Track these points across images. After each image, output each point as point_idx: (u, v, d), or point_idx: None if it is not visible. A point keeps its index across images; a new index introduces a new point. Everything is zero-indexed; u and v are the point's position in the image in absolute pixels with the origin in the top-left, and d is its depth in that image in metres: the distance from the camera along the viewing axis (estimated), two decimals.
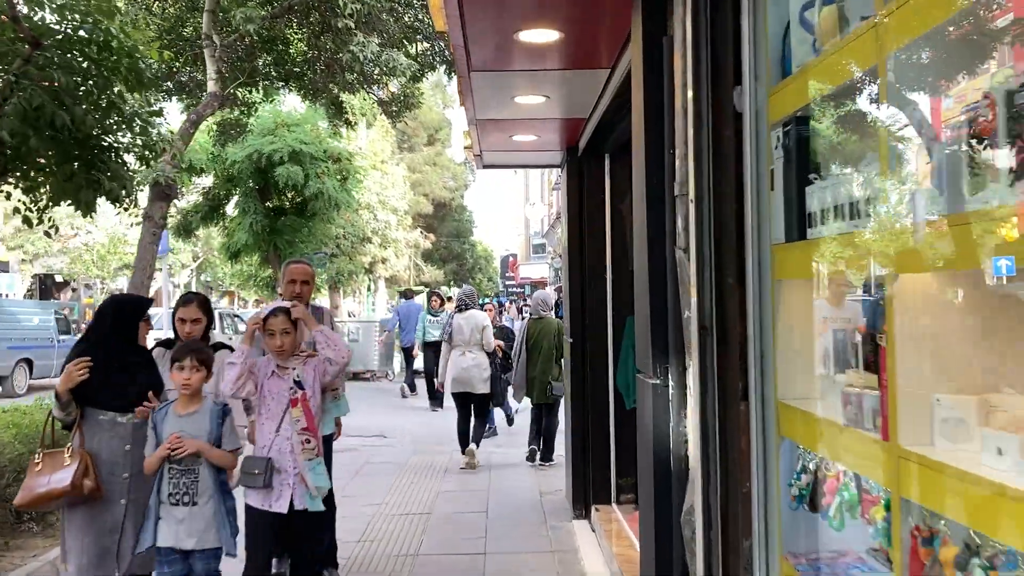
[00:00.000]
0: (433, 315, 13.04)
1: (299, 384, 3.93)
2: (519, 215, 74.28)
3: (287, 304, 4.08)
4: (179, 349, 3.71)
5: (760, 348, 2.32)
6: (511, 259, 74.33)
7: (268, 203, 16.60)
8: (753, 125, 2.35)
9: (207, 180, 15.69)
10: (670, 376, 2.95)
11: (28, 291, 30.11)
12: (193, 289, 21.41)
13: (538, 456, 8.68)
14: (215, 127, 13.04)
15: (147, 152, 5.96)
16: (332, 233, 17.64)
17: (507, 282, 64.85)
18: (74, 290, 32.21)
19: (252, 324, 4.04)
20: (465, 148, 6.72)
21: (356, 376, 18.10)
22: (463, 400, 8.68)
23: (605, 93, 4.95)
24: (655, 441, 2.99)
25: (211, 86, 8.79)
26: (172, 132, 7.82)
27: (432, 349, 11.89)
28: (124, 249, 30.56)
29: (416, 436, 10.81)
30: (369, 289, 25.42)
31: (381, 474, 8.53)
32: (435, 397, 12.35)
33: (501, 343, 9.39)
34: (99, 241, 32.16)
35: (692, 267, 2.61)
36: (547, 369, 8.30)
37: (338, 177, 15.49)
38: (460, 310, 8.81)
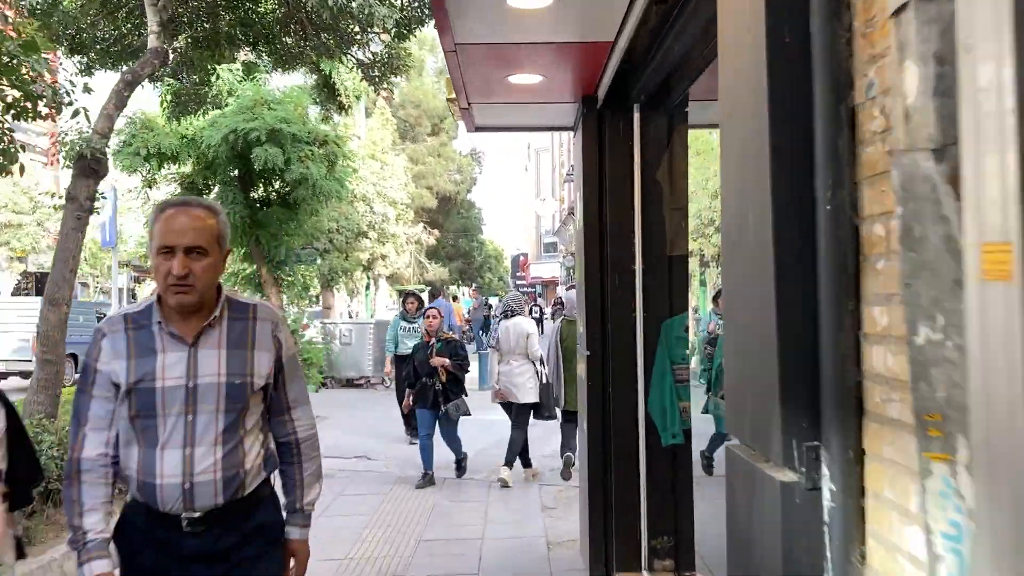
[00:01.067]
0: (407, 321, 10.93)
1: None
2: (529, 214, 73.07)
3: None
4: None
5: None
6: (522, 258, 73.16)
7: (252, 193, 15.11)
8: None
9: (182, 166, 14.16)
10: (825, 467, 1.35)
11: (19, 288, 28.75)
12: None
13: (569, 468, 7.79)
14: (169, 98, 11.45)
15: (25, 102, 4.43)
16: (323, 227, 16.13)
17: (518, 282, 63.70)
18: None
19: None
20: (449, 100, 5.11)
21: (349, 383, 16.59)
22: (508, 409, 8.21)
23: None
24: None
25: (152, 41, 7.24)
26: (88, 88, 6.27)
27: (406, 363, 8.87)
28: (119, 247, 29.12)
29: (405, 459, 9.23)
30: (368, 288, 23.86)
31: (353, 512, 6.97)
32: (409, 424, 10.02)
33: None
34: (92, 238, 30.82)
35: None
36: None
37: (325, 162, 13.96)
38: (507, 316, 8.36)
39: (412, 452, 9.48)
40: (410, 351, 8.78)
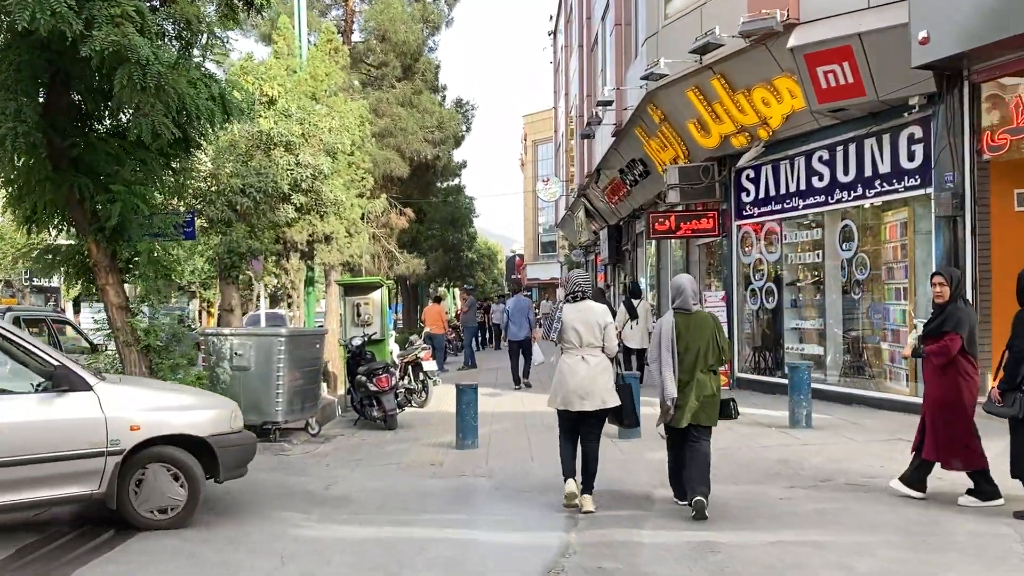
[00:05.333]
0: None
1: None
2: (526, 215, 67.82)
3: None
4: None
5: None
6: (518, 259, 68.22)
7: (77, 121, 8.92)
8: None
9: None
10: None
11: None
12: None
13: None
14: None
15: None
16: (195, 175, 9.77)
17: (513, 284, 58.44)
18: None
19: None
20: None
21: (254, 430, 10.01)
22: (576, 422, 6.56)
23: None
24: None
25: None
26: None
27: None
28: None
29: None
30: (311, 284, 17.30)
31: None
32: None
33: None
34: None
35: None
36: (704, 383, 6.29)
37: (177, 41, 7.70)
38: (573, 299, 6.69)
39: None
40: None
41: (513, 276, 63.70)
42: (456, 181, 36.29)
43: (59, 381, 5.83)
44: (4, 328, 6.12)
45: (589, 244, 31.75)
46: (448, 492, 7.35)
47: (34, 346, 6.10)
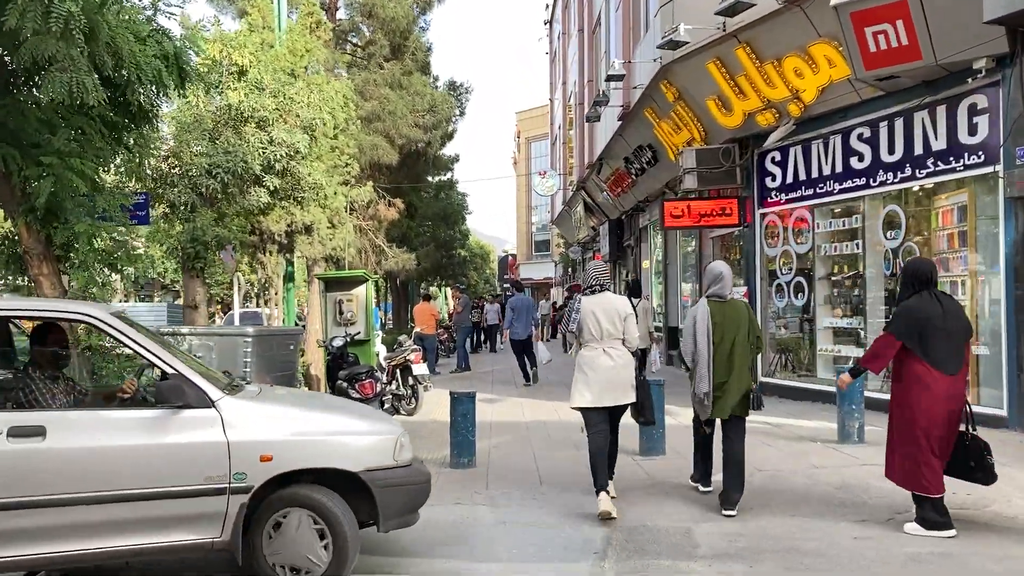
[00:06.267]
0: None
1: None
2: (512, 214, 66.96)
3: None
4: None
5: None
6: (511, 259, 67.46)
7: None
8: None
9: None
10: None
11: None
12: None
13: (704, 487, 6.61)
14: None
15: None
16: (151, 150, 8.44)
17: (505, 284, 57.77)
18: None
19: None
20: None
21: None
22: (605, 417, 6.26)
23: None
24: None
25: None
26: None
27: None
28: None
29: None
30: (290, 280, 15.88)
31: None
32: None
33: None
34: None
35: None
36: (743, 374, 6.09)
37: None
38: (592, 291, 6.40)
39: None
40: None
41: (506, 276, 63.17)
42: (448, 176, 34.90)
43: (169, 394, 4.44)
44: (106, 322, 4.67)
45: (588, 240, 30.43)
46: (442, 527, 5.97)
47: (142, 345, 4.63)
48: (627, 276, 22.82)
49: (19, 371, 5.10)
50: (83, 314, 4.79)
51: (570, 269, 41.48)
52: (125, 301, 23.37)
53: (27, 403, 4.77)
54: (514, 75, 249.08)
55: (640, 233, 21.78)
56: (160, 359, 4.61)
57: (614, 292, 6.58)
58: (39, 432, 4.27)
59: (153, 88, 8.21)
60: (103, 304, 6.04)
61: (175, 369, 4.56)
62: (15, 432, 4.23)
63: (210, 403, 4.49)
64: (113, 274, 8.66)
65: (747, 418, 6.22)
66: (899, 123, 9.99)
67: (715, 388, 6.08)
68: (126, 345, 4.68)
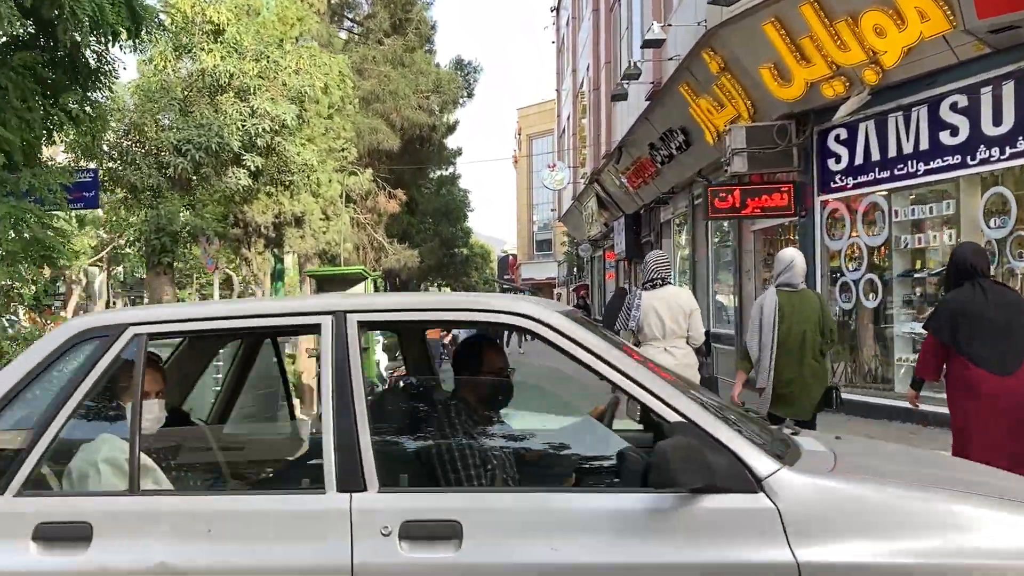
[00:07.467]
0: None
1: None
2: (513, 214, 65.69)
3: None
4: None
5: None
6: (511, 258, 66.34)
7: None
8: None
9: None
10: None
11: None
12: None
13: None
14: None
15: None
16: (105, 123, 6.73)
17: (505, 284, 56.74)
18: None
19: None
20: None
21: None
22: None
23: None
24: None
25: None
26: None
27: None
28: None
29: None
30: (279, 278, 14.17)
31: None
32: None
33: None
34: None
35: None
36: (817, 370, 5.69)
37: None
38: (653, 285, 6.16)
39: None
40: None
41: (506, 276, 62.11)
42: (451, 170, 33.28)
43: (682, 465, 2.23)
44: (552, 325, 2.59)
45: (599, 237, 28.78)
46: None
47: (626, 373, 2.50)
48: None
49: (437, 415, 3.00)
50: (521, 315, 2.60)
51: (576, 268, 39.90)
52: (88, 301, 21.60)
53: (443, 476, 2.78)
54: (516, 72, 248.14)
55: (661, 228, 20.16)
56: (656, 396, 2.46)
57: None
58: (453, 533, 2.31)
59: (99, 37, 6.57)
60: (536, 298, 3.32)
61: (685, 415, 2.42)
62: (417, 533, 2.32)
63: (754, 483, 2.34)
64: (48, 269, 6.96)
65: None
66: (1008, 88, 8.31)
67: (785, 384, 5.64)
68: (593, 369, 2.50)
